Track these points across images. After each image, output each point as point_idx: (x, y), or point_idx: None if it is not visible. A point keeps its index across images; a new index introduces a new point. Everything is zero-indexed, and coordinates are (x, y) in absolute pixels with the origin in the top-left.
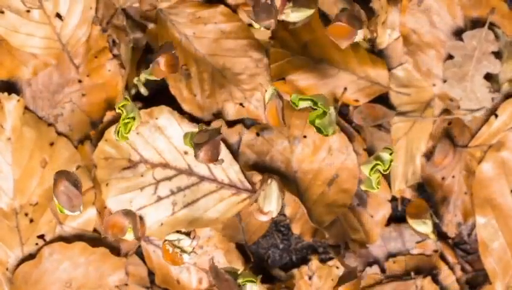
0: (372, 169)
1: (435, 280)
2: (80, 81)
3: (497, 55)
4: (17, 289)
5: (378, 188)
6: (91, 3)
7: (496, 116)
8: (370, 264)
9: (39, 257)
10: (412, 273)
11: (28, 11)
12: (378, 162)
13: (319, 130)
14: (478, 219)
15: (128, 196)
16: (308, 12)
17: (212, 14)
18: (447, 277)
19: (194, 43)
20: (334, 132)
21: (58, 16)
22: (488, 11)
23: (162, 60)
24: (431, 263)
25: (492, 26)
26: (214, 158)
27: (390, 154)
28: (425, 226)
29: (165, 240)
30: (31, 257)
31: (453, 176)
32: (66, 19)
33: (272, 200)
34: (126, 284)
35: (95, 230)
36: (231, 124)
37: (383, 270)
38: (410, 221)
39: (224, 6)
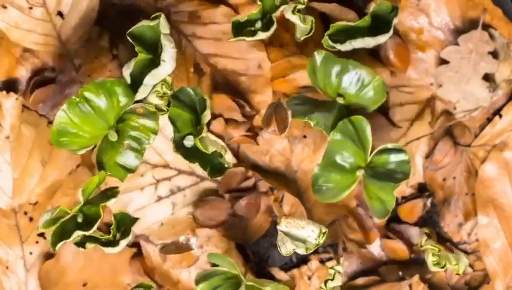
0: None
1: (429, 282)
2: (81, 82)
3: (494, 55)
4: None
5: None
6: (94, 5)
7: (500, 116)
8: (368, 265)
9: (58, 256)
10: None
11: (31, 7)
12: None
13: None
14: (480, 219)
15: (129, 196)
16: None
17: (213, 14)
18: (441, 279)
19: (195, 43)
20: None
21: (60, 14)
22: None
23: None
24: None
25: (487, 28)
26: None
27: (403, 151)
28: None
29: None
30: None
31: (454, 177)
32: (67, 17)
33: None
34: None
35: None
36: None
37: (379, 272)
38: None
39: (225, 6)
